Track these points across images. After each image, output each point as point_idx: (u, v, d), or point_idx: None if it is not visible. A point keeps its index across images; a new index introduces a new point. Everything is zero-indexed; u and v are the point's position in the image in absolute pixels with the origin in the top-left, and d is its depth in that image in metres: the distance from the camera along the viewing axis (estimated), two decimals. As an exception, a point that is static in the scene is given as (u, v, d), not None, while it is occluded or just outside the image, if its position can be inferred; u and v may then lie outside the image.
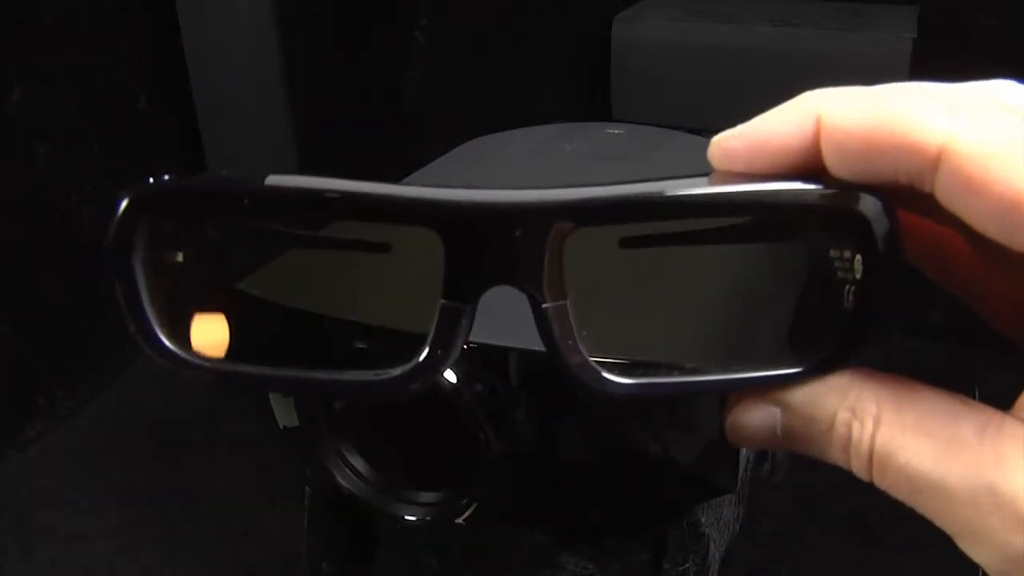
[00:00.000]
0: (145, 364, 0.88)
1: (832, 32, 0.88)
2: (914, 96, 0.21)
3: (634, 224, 0.23)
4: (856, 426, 0.22)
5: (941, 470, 0.20)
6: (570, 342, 0.23)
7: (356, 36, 1.02)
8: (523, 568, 0.45)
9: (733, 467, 0.40)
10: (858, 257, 0.22)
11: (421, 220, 0.22)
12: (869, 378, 0.22)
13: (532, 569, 0.44)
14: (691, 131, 0.60)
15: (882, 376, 0.22)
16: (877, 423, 0.21)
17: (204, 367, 0.24)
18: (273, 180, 0.23)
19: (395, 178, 0.48)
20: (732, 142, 0.23)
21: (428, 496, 0.39)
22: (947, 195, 0.20)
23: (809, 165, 0.22)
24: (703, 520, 0.42)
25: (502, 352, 0.35)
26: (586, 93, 1.07)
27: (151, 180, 0.23)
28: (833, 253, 0.23)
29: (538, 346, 0.23)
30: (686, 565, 0.42)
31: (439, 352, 0.23)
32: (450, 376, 0.34)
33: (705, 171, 0.23)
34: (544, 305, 0.23)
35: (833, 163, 0.21)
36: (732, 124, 0.23)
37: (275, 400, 0.39)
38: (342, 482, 0.39)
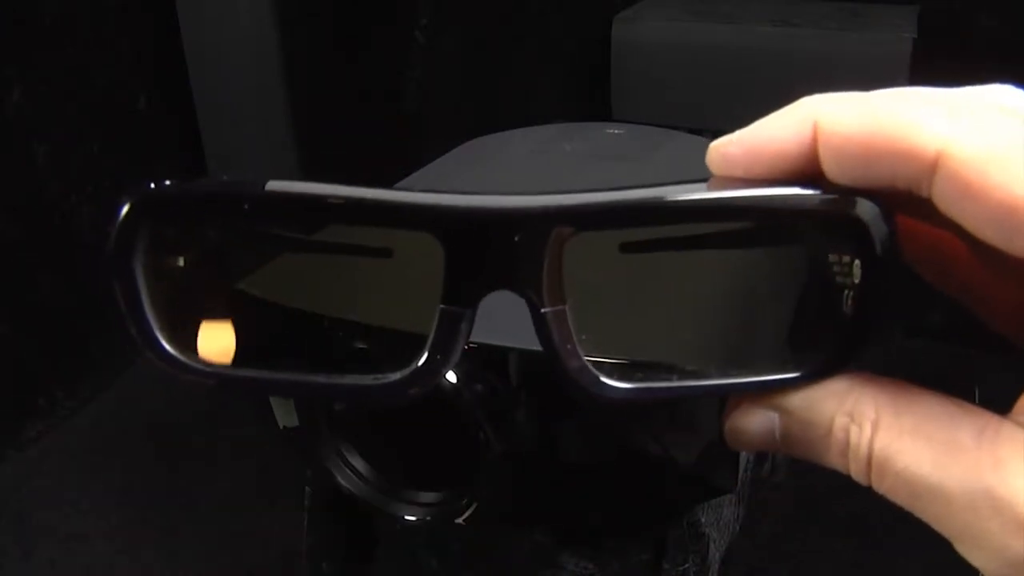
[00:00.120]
0: (145, 365, 0.87)
1: (832, 32, 0.88)
2: (911, 101, 0.20)
3: (633, 229, 0.23)
4: (854, 430, 0.22)
5: (939, 474, 0.20)
6: (569, 346, 0.23)
7: (356, 36, 1.02)
8: (523, 568, 0.45)
9: (733, 467, 0.40)
10: (856, 261, 0.22)
11: (421, 225, 0.22)
12: (867, 382, 0.22)
13: (532, 569, 0.44)
14: (691, 131, 0.60)
15: (880, 380, 0.22)
16: (875, 427, 0.21)
17: (204, 371, 0.24)
18: (274, 185, 0.23)
19: (395, 178, 0.48)
20: (730, 147, 0.23)
21: (428, 496, 0.39)
22: (945, 200, 0.20)
23: (807, 170, 0.22)
24: (703, 520, 0.42)
25: (502, 352, 0.35)
26: (586, 93, 1.07)
27: (152, 184, 0.23)
28: (832, 258, 0.23)
29: (538, 346, 0.23)
30: (686, 565, 0.42)
31: (438, 357, 0.23)
32: (450, 376, 0.34)
33: (705, 172, 0.23)
34: (543, 310, 0.23)
35: (831, 168, 0.21)
36: (732, 124, 0.23)
37: (275, 400, 0.39)
38: (342, 482, 0.40)
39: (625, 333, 0.26)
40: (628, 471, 0.39)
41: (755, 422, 0.24)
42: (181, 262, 0.25)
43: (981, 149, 0.19)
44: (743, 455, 0.43)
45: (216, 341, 0.25)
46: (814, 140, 0.21)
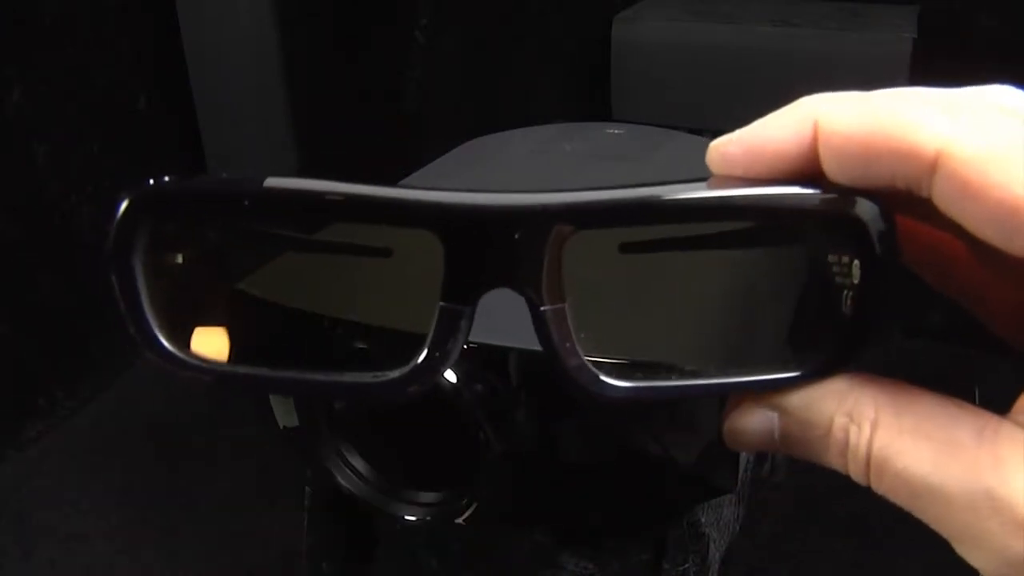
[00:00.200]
0: (145, 365, 0.88)
1: (832, 32, 0.88)
2: (911, 101, 0.20)
3: (633, 227, 0.23)
4: (853, 430, 0.22)
5: (939, 474, 0.20)
6: (568, 345, 0.23)
7: (356, 36, 1.02)
8: (523, 568, 0.45)
9: (733, 467, 0.40)
10: (856, 261, 0.22)
11: (420, 222, 0.22)
12: (867, 382, 0.22)
13: (532, 569, 0.44)
14: (691, 131, 0.60)
15: (880, 380, 0.22)
16: (875, 427, 0.21)
17: (203, 368, 0.24)
18: (273, 182, 0.23)
19: (395, 178, 0.48)
20: (730, 147, 0.23)
21: (428, 496, 0.39)
22: (944, 200, 0.20)
23: (807, 170, 0.22)
24: (703, 520, 0.42)
25: (502, 352, 0.35)
26: (586, 93, 1.07)
27: (151, 182, 0.23)
28: (831, 257, 0.23)
29: (538, 346, 0.23)
30: (686, 565, 0.42)
31: (438, 354, 0.23)
32: (450, 376, 0.34)
33: (705, 172, 0.23)
34: (542, 308, 0.23)
35: (831, 168, 0.21)
36: (732, 124, 0.23)
37: (275, 400, 0.39)
38: (342, 482, 0.40)
39: (624, 332, 0.26)
40: (628, 471, 0.39)
41: (754, 422, 0.24)
42: (180, 259, 0.25)
43: (981, 149, 0.19)
44: (743, 455, 0.43)
45: (215, 339, 0.25)
46: (814, 140, 0.21)
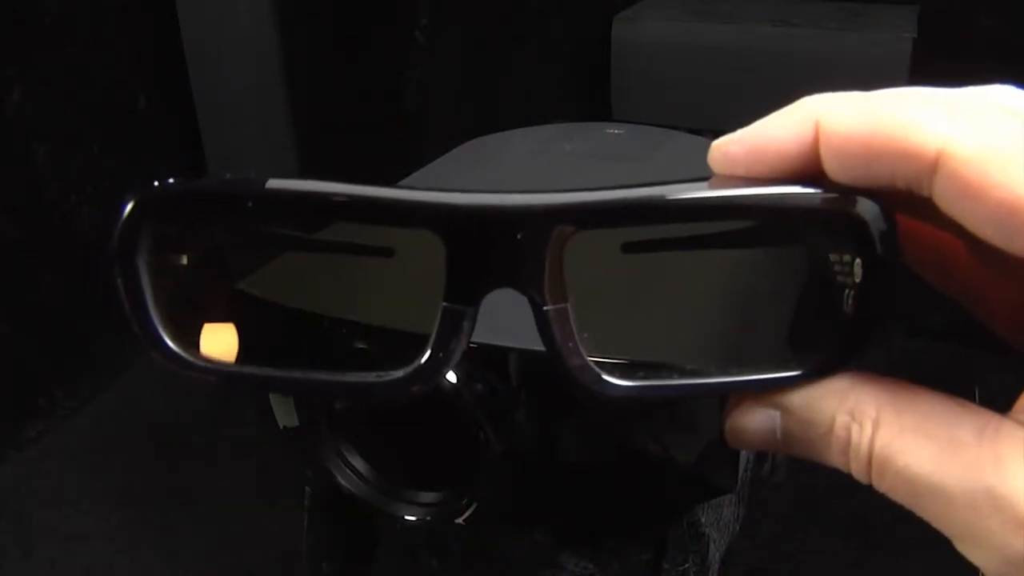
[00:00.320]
0: (145, 365, 0.88)
1: (832, 32, 0.88)
2: (912, 101, 0.21)
3: (635, 227, 0.23)
4: (855, 429, 0.22)
5: (940, 473, 0.20)
6: (570, 344, 0.23)
7: (356, 36, 1.02)
8: (523, 568, 0.45)
9: (733, 467, 0.40)
10: (857, 261, 0.22)
11: (423, 223, 0.22)
12: (868, 381, 0.22)
13: (532, 569, 0.44)
14: (691, 131, 0.60)
15: (881, 379, 0.22)
16: (876, 426, 0.21)
17: (208, 369, 0.25)
18: (276, 183, 0.23)
19: (395, 178, 0.48)
20: (732, 147, 0.23)
21: (428, 496, 0.39)
22: (945, 199, 0.20)
23: (808, 170, 0.22)
24: (703, 520, 0.42)
25: (502, 352, 0.35)
26: (586, 93, 1.07)
27: (156, 183, 0.23)
28: (832, 257, 0.23)
29: (538, 346, 0.23)
30: (686, 565, 0.42)
31: (441, 354, 0.23)
32: (450, 376, 0.34)
33: (705, 171, 0.23)
34: (545, 308, 0.23)
35: (832, 167, 0.21)
36: (732, 124, 0.23)
37: (275, 400, 0.39)
38: (342, 482, 0.40)
39: (627, 331, 0.26)
40: (628, 471, 0.39)
41: (756, 421, 0.24)
42: (185, 260, 0.25)
43: (981, 148, 0.19)
44: (743, 455, 0.43)
45: (219, 339, 0.25)
46: (815, 139, 0.21)
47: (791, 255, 0.25)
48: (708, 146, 0.23)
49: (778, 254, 0.25)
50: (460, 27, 1.08)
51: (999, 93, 0.21)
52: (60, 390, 0.86)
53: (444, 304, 0.23)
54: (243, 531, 0.71)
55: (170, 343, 0.24)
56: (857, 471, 0.22)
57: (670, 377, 0.24)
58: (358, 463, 0.40)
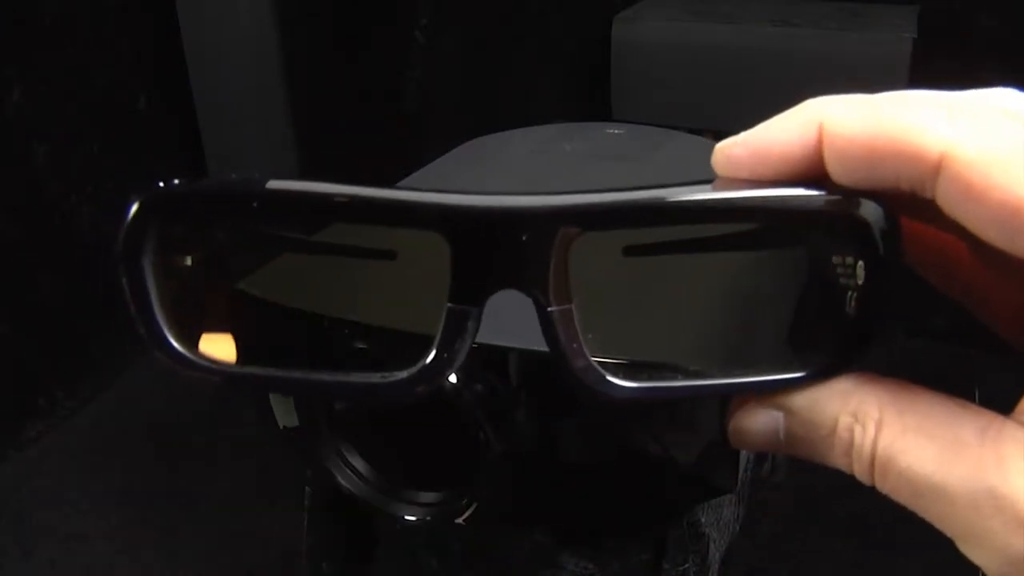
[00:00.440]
0: (145, 365, 0.88)
1: (832, 32, 0.88)
2: (915, 103, 0.21)
3: (639, 229, 0.23)
4: (858, 430, 0.22)
5: (942, 473, 0.20)
6: (575, 346, 0.23)
7: (356, 36, 1.02)
8: (523, 568, 0.45)
9: (733, 467, 0.40)
10: (860, 263, 0.22)
11: (428, 224, 0.22)
12: (871, 382, 0.22)
13: (532, 569, 0.44)
14: (691, 131, 0.60)
15: (884, 380, 0.22)
16: (879, 427, 0.22)
17: (212, 369, 0.25)
18: (280, 184, 0.23)
19: (395, 178, 0.48)
20: (736, 149, 0.23)
21: (428, 496, 0.39)
22: (948, 201, 0.20)
23: (811, 172, 0.22)
24: (703, 520, 0.42)
25: (502, 352, 0.35)
26: (586, 93, 1.07)
27: (160, 184, 0.23)
28: (835, 259, 0.23)
29: (538, 346, 0.23)
30: (686, 565, 0.42)
31: (445, 355, 0.23)
32: (450, 376, 0.34)
33: (705, 172, 0.23)
34: (549, 309, 0.23)
35: (835, 170, 0.21)
36: (731, 124, 0.23)
37: (275, 400, 0.39)
38: (342, 482, 0.40)
39: (631, 333, 0.26)
40: (628, 471, 0.39)
41: (759, 422, 0.24)
42: (189, 261, 0.25)
43: (984, 151, 0.19)
44: (743, 455, 0.43)
45: (224, 339, 0.26)
46: (818, 142, 0.22)
47: (794, 257, 0.25)
48: (708, 146, 0.23)
49: (782, 256, 0.25)
50: (460, 27, 1.08)
51: (1001, 96, 0.21)
52: (60, 390, 0.86)
53: (449, 305, 0.23)
54: (243, 531, 0.71)
55: (175, 344, 0.24)
56: (860, 472, 0.22)
57: (674, 378, 0.24)
58: (358, 463, 0.40)
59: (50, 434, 0.83)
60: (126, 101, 0.90)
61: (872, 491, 0.22)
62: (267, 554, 0.69)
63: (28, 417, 0.83)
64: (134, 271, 0.23)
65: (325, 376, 0.25)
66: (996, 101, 0.21)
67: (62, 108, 0.83)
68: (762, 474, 0.51)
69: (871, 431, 0.22)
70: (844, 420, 0.22)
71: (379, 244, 0.25)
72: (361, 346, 0.30)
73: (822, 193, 0.22)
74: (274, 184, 0.23)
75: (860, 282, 0.22)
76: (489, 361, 0.35)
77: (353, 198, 0.23)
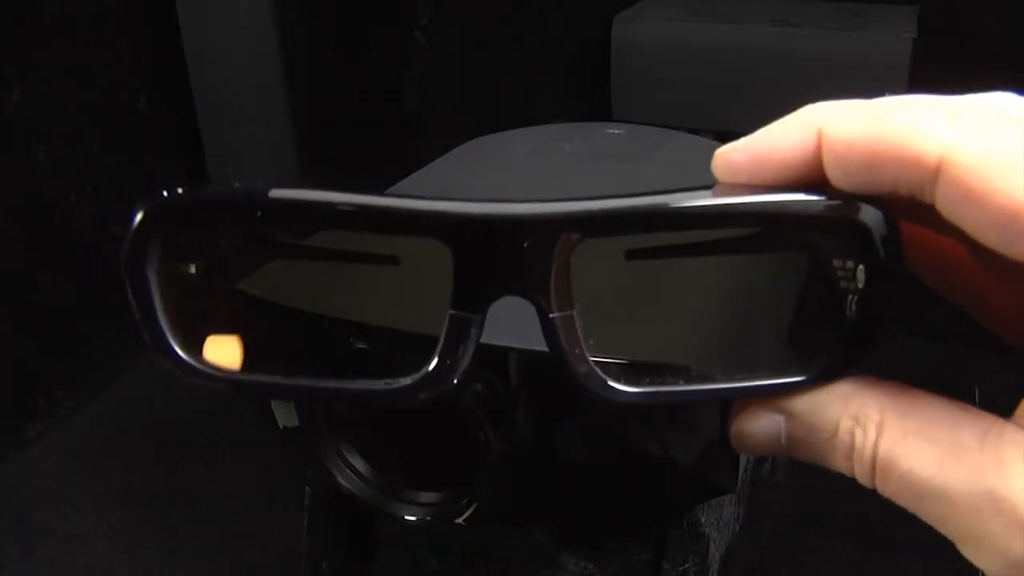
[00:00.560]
0: (145, 365, 0.88)
1: (832, 32, 0.88)
2: (914, 108, 0.21)
3: (641, 235, 0.23)
4: (859, 433, 0.22)
5: (943, 476, 0.21)
6: (577, 351, 0.23)
7: (356, 36, 1.02)
8: (523, 568, 0.45)
9: (733, 467, 0.40)
10: (860, 267, 0.22)
11: (430, 232, 0.22)
12: (872, 386, 0.22)
13: (532, 569, 0.44)
14: (691, 131, 0.60)
15: (884, 384, 0.22)
16: (880, 430, 0.22)
17: (216, 376, 0.25)
18: (284, 193, 0.23)
19: (395, 178, 0.48)
20: (735, 155, 0.23)
21: (428, 496, 0.39)
22: (947, 206, 0.20)
23: (811, 177, 0.22)
24: (703, 520, 0.42)
25: (502, 352, 0.35)
26: (586, 93, 1.07)
27: (165, 193, 0.23)
28: (835, 263, 0.23)
29: (538, 346, 0.23)
30: (686, 565, 0.42)
31: (448, 361, 0.23)
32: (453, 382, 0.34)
33: (705, 172, 0.23)
34: (552, 315, 0.23)
35: (835, 175, 0.22)
36: (731, 124, 0.23)
37: (276, 401, 0.39)
38: (342, 482, 0.40)
39: (632, 338, 0.26)
40: (628, 471, 0.39)
41: (761, 426, 0.24)
42: (193, 269, 0.25)
43: (983, 155, 0.19)
44: (743, 455, 0.43)
45: (228, 346, 0.26)
46: (818, 147, 0.22)
47: (795, 262, 0.25)
48: (708, 146, 0.24)
49: (782, 261, 0.25)
50: (460, 27, 1.08)
51: (1000, 100, 0.21)
52: (60, 390, 0.86)
53: (451, 311, 0.23)
54: (243, 531, 0.71)
55: (180, 351, 0.24)
56: (861, 475, 0.22)
57: (676, 383, 0.24)
58: (358, 463, 0.40)
59: (50, 434, 0.83)
60: (126, 101, 0.90)
61: (872, 492, 0.22)
62: (267, 554, 0.69)
63: (28, 417, 0.83)
64: (139, 279, 0.23)
65: (328, 383, 0.25)
66: (995, 105, 0.21)
67: (62, 108, 0.83)
68: (762, 474, 0.51)
69: (872, 435, 0.22)
70: (845, 424, 0.22)
71: (382, 250, 0.25)
72: (364, 352, 0.30)
73: (822, 198, 0.22)
74: (277, 192, 0.23)
75: (860, 286, 0.23)
76: (489, 361, 0.35)
77: (356, 206, 0.23)
